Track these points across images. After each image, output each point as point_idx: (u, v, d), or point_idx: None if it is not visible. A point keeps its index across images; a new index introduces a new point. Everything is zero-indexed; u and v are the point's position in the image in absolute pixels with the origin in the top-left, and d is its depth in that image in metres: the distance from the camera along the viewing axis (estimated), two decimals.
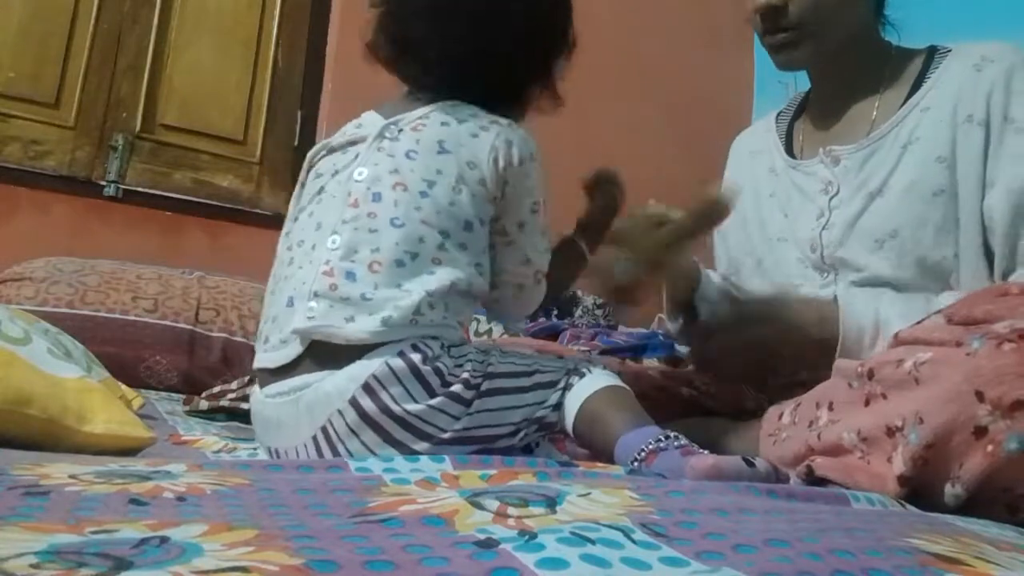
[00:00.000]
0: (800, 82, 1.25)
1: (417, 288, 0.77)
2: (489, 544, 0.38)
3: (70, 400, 0.76)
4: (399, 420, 0.75)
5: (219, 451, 0.92)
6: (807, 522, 0.46)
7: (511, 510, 0.45)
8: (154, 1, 2.18)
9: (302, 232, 0.86)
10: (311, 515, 0.44)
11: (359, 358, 0.76)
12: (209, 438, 0.97)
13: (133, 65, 2.14)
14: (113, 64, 2.12)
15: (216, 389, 1.41)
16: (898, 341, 0.77)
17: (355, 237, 0.79)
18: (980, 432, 0.64)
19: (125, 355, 1.60)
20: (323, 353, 0.77)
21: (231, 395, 1.36)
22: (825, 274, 1.10)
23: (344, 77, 2.30)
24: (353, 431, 0.75)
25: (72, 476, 0.50)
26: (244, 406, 1.31)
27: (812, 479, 0.78)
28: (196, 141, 2.19)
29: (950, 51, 1.08)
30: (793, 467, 0.82)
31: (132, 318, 1.65)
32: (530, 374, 0.81)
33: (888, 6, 1.15)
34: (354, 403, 0.74)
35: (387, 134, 0.86)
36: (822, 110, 1.18)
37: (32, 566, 0.32)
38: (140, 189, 2.11)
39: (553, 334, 1.93)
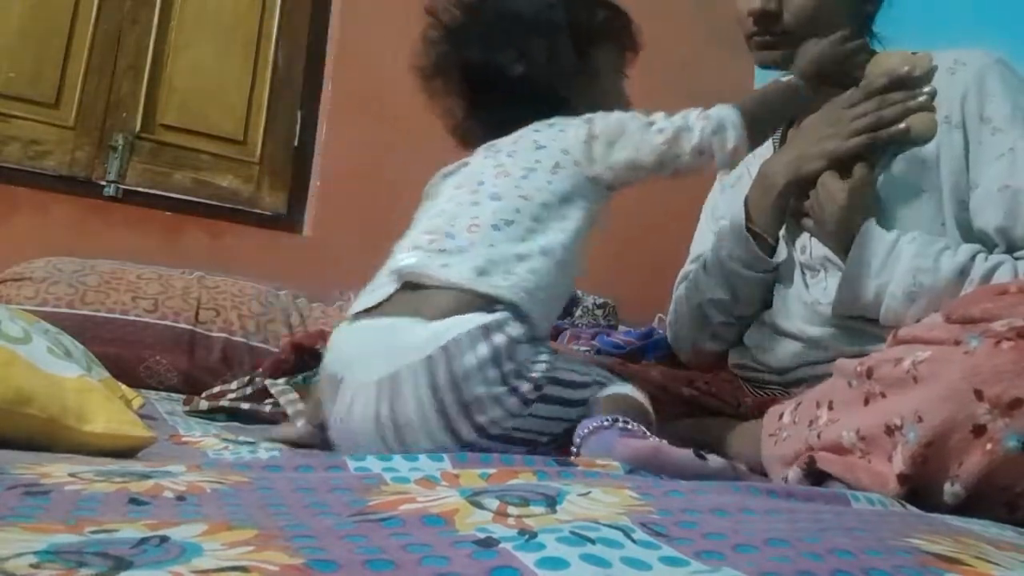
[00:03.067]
0: None
1: (508, 248, 0.84)
2: (489, 543, 0.38)
3: (70, 399, 0.76)
4: (460, 397, 0.76)
5: (220, 451, 0.92)
6: (807, 522, 0.46)
7: (511, 509, 0.45)
8: (154, 1, 2.18)
9: (414, 222, 0.96)
10: (311, 514, 0.44)
11: (447, 316, 0.78)
12: (209, 439, 0.97)
13: (133, 65, 2.14)
14: (113, 64, 2.12)
15: (216, 389, 1.41)
16: (897, 340, 0.78)
17: (457, 209, 0.88)
18: (979, 431, 0.64)
19: (125, 355, 1.60)
20: (414, 300, 0.82)
21: (231, 395, 1.36)
22: (814, 273, 1.10)
23: (344, 77, 2.30)
24: (416, 391, 0.76)
25: (72, 475, 0.50)
26: (244, 406, 1.31)
27: (813, 471, 0.78)
28: (196, 141, 2.19)
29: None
30: (793, 466, 0.82)
31: (132, 318, 1.65)
32: (586, 386, 0.83)
33: (876, 22, 1.16)
34: (429, 363, 0.76)
35: (491, 150, 0.98)
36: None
37: (32, 566, 0.32)
38: (140, 189, 2.11)
39: (553, 334, 1.93)
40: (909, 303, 0.95)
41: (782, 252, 1.11)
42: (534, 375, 0.78)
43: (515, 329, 0.79)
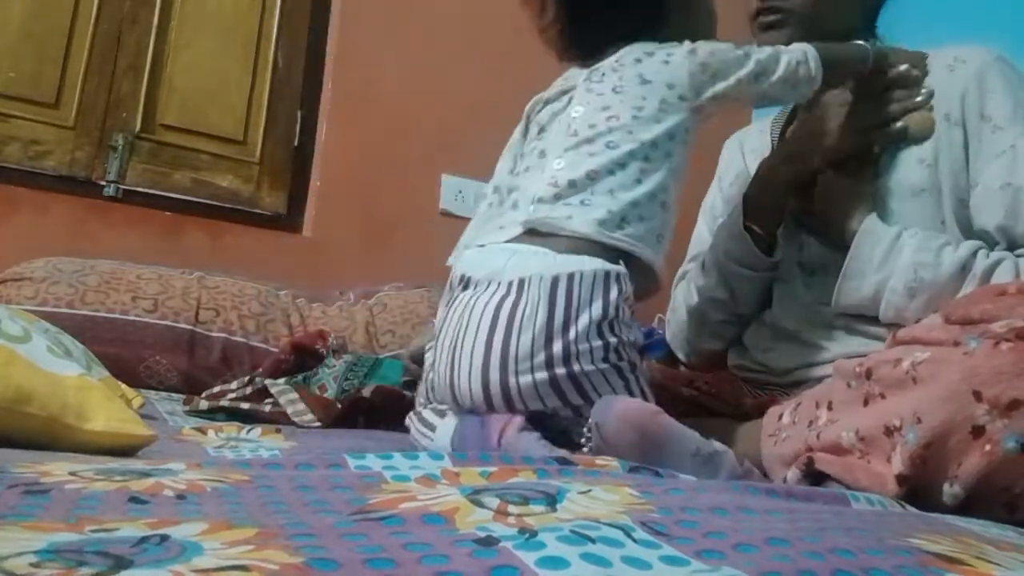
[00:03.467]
0: None
1: (624, 196, 0.90)
2: (489, 542, 0.38)
3: (70, 398, 0.76)
4: (567, 317, 0.82)
5: (220, 448, 0.92)
6: (807, 521, 0.46)
7: (511, 508, 0.45)
8: (154, 1, 2.17)
9: (527, 160, 1.01)
10: (311, 513, 0.44)
11: (574, 253, 0.87)
12: (211, 434, 0.97)
13: (133, 65, 2.14)
14: (113, 64, 2.11)
15: (216, 389, 1.41)
16: (896, 340, 0.78)
17: (576, 157, 0.93)
18: (978, 432, 0.64)
19: (125, 355, 1.59)
20: (542, 241, 0.89)
21: (231, 395, 1.36)
22: (813, 273, 1.10)
23: (344, 77, 2.30)
24: (536, 299, 0.83)
25: (72, 473, 0.50)
26: (244, 406, 1.31)
27: (811, 471, 0.78)
28: (196, 141, 2.19)
29: (929, 56, 1.09)
30: (792, 466, 0.82)
31: (132, 318, 1.65)
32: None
33: (879, 22, 1.16)
34: (554, 282, 0.84)
35: (593, 78, 1.00)
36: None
37: (32, 564, 0.32)
38: (140, 189, 2.11)
39: None
40: (909, 298, 0.95)
41: (780, 250, 1.11)
42: (617, 341, 0.84)
43: (627, 286, 0.87)
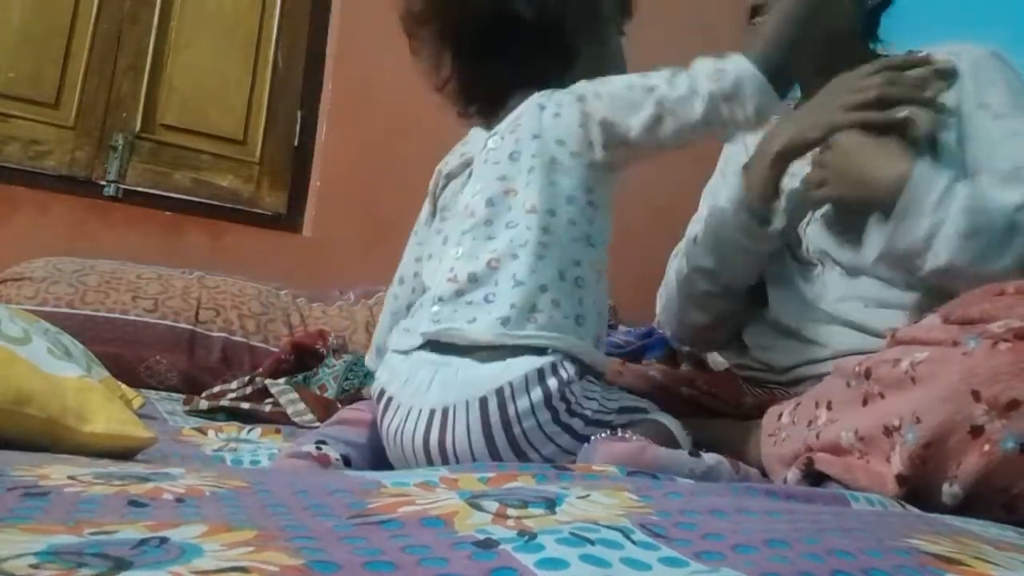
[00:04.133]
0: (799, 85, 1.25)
1: (530, 281, 0.80)
2: (489, 545, 0.38)
3: (70, 399, 0.76)
4: (511, 436, 0.76)
5: (220, 451, 0.92)
6: (807, 522, 0.46)
7: (510, 511, 0.45)
8: (154, 1, 2.17)
9: (431, 246, 0.93)
10: (310, 516, 0.44)
11: (494, 355, 0.78)
12: (211, 434, 0.97)
13: (133, 65, 2.14)
14: (113, 64, 2.11)
15: (216, 389, 1.42)
16: (895, 341, 0.78)
17: (475, 244, 0.84)
18: (977, 432, 0.64)
19: (125, 355, 1.60)
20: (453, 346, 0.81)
21: (231, 395, 1.36)
22: (811, 268, 1.10)
23: (344, 77, 2.30)
24: (467, 427, 0.76)
25: (71, 477, 0.50)
26: (244, 406, 1.31)
27: (811, 472, 0.78)
28: (196, 141, 2.19)
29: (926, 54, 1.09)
30: (792, 467, 0.82)
31: (132, 318, 1.65)
32: (635, 411, 0.84)
33: (879, 23, 1.16)
34: (483, 404, 0.76)
35: (490, 144, 0.91)
36: None
37: (32, 566, 0.32)
38: (140, 189, 2.11)
39: None
40: (967, 240, 0.91)
41: (779, 221, 1.08)
42: (587, 412, 0.78)
43: (568, 370, 0.78)
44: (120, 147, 2.09)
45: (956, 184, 0.93)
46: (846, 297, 1.07)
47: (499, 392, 0.76)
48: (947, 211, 0.91)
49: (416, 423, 0.79)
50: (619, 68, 0.96)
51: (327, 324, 1.79)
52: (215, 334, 1.70)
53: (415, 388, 0.80)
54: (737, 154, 1.29)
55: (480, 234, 0.84)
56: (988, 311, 0.70)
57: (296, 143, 2.29)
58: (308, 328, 1.76)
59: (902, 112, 1.00)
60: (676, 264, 1.24)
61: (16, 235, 1.88)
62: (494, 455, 0.76)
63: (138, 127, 2.12)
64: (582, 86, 0.89)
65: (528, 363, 0.77)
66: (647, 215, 1.91)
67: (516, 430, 0.76)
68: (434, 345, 0.82)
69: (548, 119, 0.87)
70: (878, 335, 1.00)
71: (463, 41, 0.94)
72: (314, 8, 2.36)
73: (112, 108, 2.10)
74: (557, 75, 0.91)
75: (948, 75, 1.01)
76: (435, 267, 0.88)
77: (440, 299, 0.83)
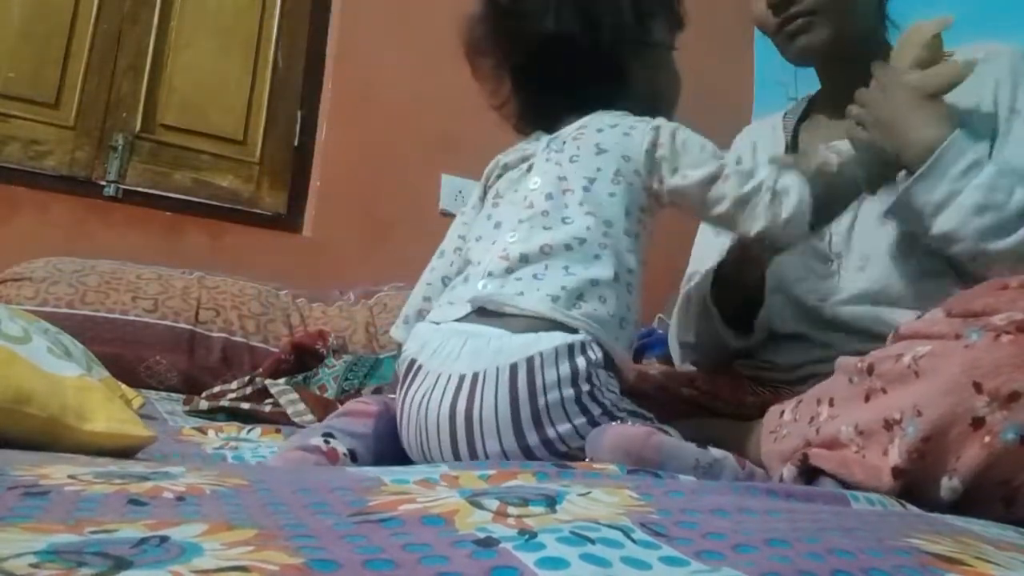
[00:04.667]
0: (800, 85, 1.25)
1: (582, 272, 0.83)
2: (489, 543, 0.38)
3: (70, 398, 0.76)
4: (535, 407, 0.77)
5: (220, 449, 0.92)
6: (807, 522, 0.46)
7: (511, 509, 0.45)
8: (154, 1, 2.18)
9: (480, 229, 0.95)
10: (310, 514, 0.44)
11: (529, 327, 0.80)
12: (211, 434, 0.97)
13: (133, 65, 2.14)
14: (113, 64, 2.12)
15: (216, 389, 1.42)
16: (898, 336, 0.78)
17: (530, 231, 0.87)
18: (978, 423, 0.64)
19: (125, 355, 1.60)
20: (493, 316, 0.83)
21: (231, 395, 1.36)
22: (830, 261, 1.11)
23: (344, 77, 2.30)
24: (495, 393, 0.78)
25: (71, 476, 0.50)
26: (244, 406, 1.31)
27: (806, 468, 0.78)
28: (196, 141, 2.19)
29: (950, 54, 1.09)
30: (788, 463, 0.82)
31: (132, 318, 1.65)
32: (635, 416, 0.84)
33: (891, 9, 1.15)
34: (512, 370, 0.78)
35: (553, 146, 0.95)
36: (829, 113, 1.18)
37: (32, 565, 0.32)
38: (140, 189, 2.11)
39: None
40: (975, 215, 0.93)
41: (758, 332, 1.10)
42: (606, 402, 0.80)
43: (596, 352, 0.80)
44: (120, 147, 2.09)
45: (986, 160, 0.94)
46: (856, 297, 1.07)
47: (529, 360, 0.78)
48: (967, 182, 0.93)
49: (444, 390, 0.80)
50: (672, 84, 1.03)
51: (327, 324, 1.79)
52: (215, 334, 1.71)
53: (445, 355, 0.82)
54: (745, 157, 1.29)
55: (537, 223, 0.88)
56: (991, 304, 0.70)
57: (296, 143, 2.29)
58: (308, 328, 1.77)
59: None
60: (682, 297, 1.24)
61: (16, 235, 1.88)
62: (516, 425, 0.77)
63: (138, 127, 2.12)
64: (661, 121, 0.93)
65: (560, 337, 0.79)
66: None
67: (541, 401, 0.77)
68: (474, 315, 0.84)
69: (618, 135, 0.92)
70: (881, 338, 1.00)
71: (519, 69, 0.98)
72: (314, 8, 2.36)
73: (112, 108, 2.10)
74: (610, 98, 0.96)
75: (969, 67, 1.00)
76: (485, 247, 0.91)
77: (490, 273, 0.86)
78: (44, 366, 0.79)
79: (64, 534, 0.37)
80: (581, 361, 0.79)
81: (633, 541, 0.40)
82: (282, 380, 1.35)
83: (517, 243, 0.87)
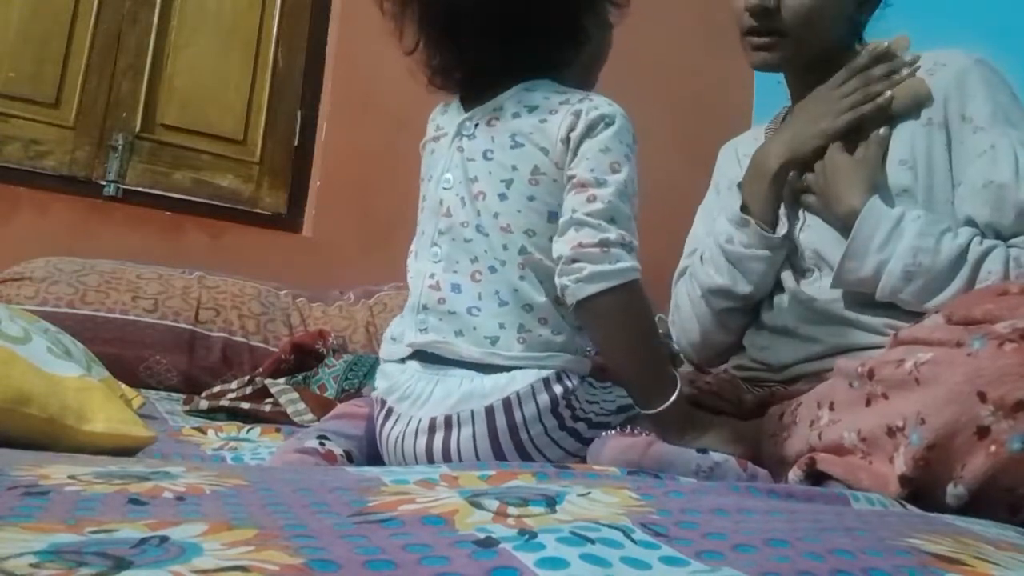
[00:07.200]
0: None
1: (513, 300, 0.79)
2: (489, 543, 0.38)
3: (70, 399, 0.76)
4: (517, 441, 0.77)
5: (220, 449, 0.92)
6: (807, 522, 0.46)
7: (511, 509, 0.45)
8: (154, 1, 2.17)
9: (416, 240, 0.90)
10: (311, 514, 0.44)
11: (495, 368, 0.78)
12: (211, 434, 0.97)
13: (133, 65, 2.14)
14: (113, 64, 2.11)
15: (216, 389, 1.41)
16: (897, 341, 0.78)
17: (453, 249, 0.82)
18: (983, 432, 0.64)
19: (125, 355, 1.60)
20: (439, 360, 0.80)
21: (231, 395, 1.36)
22: (808, 272, 1.11)
23: (344, 77, 2.30)
24: (473, 434, 0.77)
25: (71, 476, 0.50)
26: (244, 406, 1.31)
27: (813, 472, 0.78)
28: (196, 141, 2.19)
29: (917, 57, 1.10)
30: (794, 467, 0.82)
31: (132, 318, 1.65)
32: (631, 407, 0.84)
33: (865, 27, 1.17)
34: (489, 412, 0.76)
35: (464, 131, 0.85)
36: None
37: (32, 565, 0.32)
38: (140, 189, 2.11)
39: None
40: (906, 282, 0.96)
41: (783, 227, 1.11)
42: (590, 415, 0.80)
43: (571, 379, 0.79)
44: (120, 147, 2.09)
45: (907, 218, 0.97)
46: (840, 295, 1.07)
47: (506, 402, 0.77)
48: (893, 250, 0.97)
49: (417, 433, 0.79)
50: (607, 47, 0.89)
51: (327, 324, 1.79)
52: (215, 334, 1.70)
53: (415, 398, 0.80)
54: (730, 167, 1.29)
55: (458, 235, 0.82)
56: (991, 311, 0.70)
57: (296, 143, 2.29)
58: (308, 328, 1.76)
59: (884, 96, 1.05)
60: (684, 287, 1.24)
61: (16, 235, 1.88)
62: (499, 459, 0.76)
63: (138, 127, 2.12)
64: (585, 105, 0.80)
65: (534, 375, 0.78)
66: (642, 214, 1.91)
67: (523, 436, 0.76)
68: (423, 356, 0.81)
69: (534, 123, 0.80)
70: (872, 330, 1.01)
71: (444, 23, 0.84)
72: (314, 8, 2.36)
73: (112, 108, 2.10)
74: (546, 60, 0.83)
75: (912, 63, 1.07)
76: (418, 268, 0.86)
77: (424, 307, 0.82)
78: (44, 366, 0.79)
79: (64, 534, 0.37)
80: (558, 389, 0.78)
81: (633, 541, 0.40)
82: (282, 380, 1.35)
83: (443, 266, 0.81)
